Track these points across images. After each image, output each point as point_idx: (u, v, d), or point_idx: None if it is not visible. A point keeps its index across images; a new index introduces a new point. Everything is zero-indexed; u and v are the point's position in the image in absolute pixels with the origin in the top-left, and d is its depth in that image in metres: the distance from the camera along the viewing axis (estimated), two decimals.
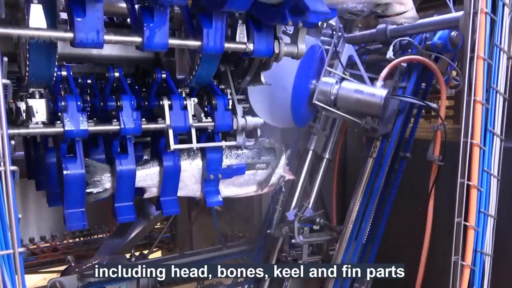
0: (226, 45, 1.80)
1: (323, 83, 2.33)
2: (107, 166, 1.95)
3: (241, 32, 1.84)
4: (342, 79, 2.34)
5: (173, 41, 1.71)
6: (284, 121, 2.51)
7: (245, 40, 1.85)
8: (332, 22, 2.42)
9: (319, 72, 2.40)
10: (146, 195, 2.09)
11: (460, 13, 2.04)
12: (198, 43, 1.74)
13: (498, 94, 1.82)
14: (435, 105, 2.35)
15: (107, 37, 1.55)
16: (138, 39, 1.63)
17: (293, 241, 2.56)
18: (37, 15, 1.45)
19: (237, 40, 1.84)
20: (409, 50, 2.41)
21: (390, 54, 2.30)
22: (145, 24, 1.61)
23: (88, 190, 1.89)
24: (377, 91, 2.20)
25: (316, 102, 2.31)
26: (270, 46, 1.88)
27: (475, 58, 1.75)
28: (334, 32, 2.44)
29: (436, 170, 2.30)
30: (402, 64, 2.35)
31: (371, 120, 2.38)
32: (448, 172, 2.02)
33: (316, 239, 2.61)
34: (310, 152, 2.77)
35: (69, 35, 1.48)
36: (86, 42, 1.50)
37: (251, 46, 1.84)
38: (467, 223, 1.75)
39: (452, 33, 2.23)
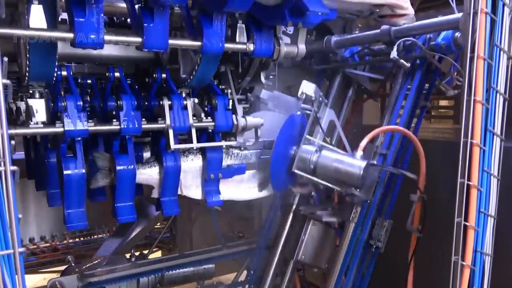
0: (226, 45, 1.80)
1: (303, 150, 2.28)
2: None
3: (241, 33, 1.84)
4: (322, 147, 2.29)
5: (173, 41, 1.71)
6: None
7: (245, 40, 1.84)
8: (312, 93, 2.29)
9: (300, 138, 2.33)
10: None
11: None
12: (198, 43, 1.74)
13: (498, 94, 1.82)
14: (414, 175, 2.21)
15: (107, 37, 1.55)
16: (138, 39, 1.63)
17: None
18: (37, 15, 1.45)
19: (237, 40, 1.84)
20: (413, 52, 2.38)
21: (394, 54, 2.26)
22: (145, 24, 1.61)
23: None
24: (356, 162, 2.13)
25: (296, 171, 2.24)
26: (270, 46, 1.88)
27: (475, 58, 1.75)
28: (314, 99, 2.33)
29: (415, 241, 2.23)
30: (406, 64, 2.32)
31: (351, 188, 2.26)
32: (448, 172, 2.02)
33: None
34: None
35: (69, 35, 1.49)
36: (86, 42, 1.50)
37: (251, 47, 1.84)
38: (467, 223, 1.75)
39: (456, 34, 2.21)
